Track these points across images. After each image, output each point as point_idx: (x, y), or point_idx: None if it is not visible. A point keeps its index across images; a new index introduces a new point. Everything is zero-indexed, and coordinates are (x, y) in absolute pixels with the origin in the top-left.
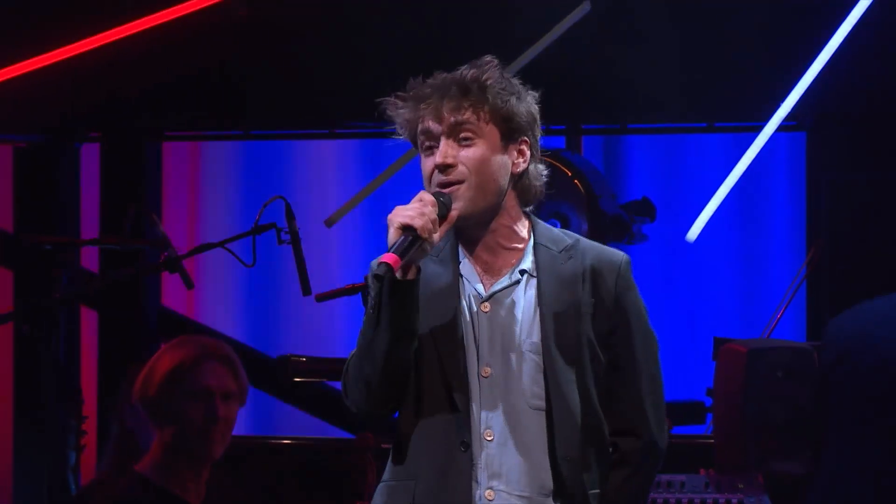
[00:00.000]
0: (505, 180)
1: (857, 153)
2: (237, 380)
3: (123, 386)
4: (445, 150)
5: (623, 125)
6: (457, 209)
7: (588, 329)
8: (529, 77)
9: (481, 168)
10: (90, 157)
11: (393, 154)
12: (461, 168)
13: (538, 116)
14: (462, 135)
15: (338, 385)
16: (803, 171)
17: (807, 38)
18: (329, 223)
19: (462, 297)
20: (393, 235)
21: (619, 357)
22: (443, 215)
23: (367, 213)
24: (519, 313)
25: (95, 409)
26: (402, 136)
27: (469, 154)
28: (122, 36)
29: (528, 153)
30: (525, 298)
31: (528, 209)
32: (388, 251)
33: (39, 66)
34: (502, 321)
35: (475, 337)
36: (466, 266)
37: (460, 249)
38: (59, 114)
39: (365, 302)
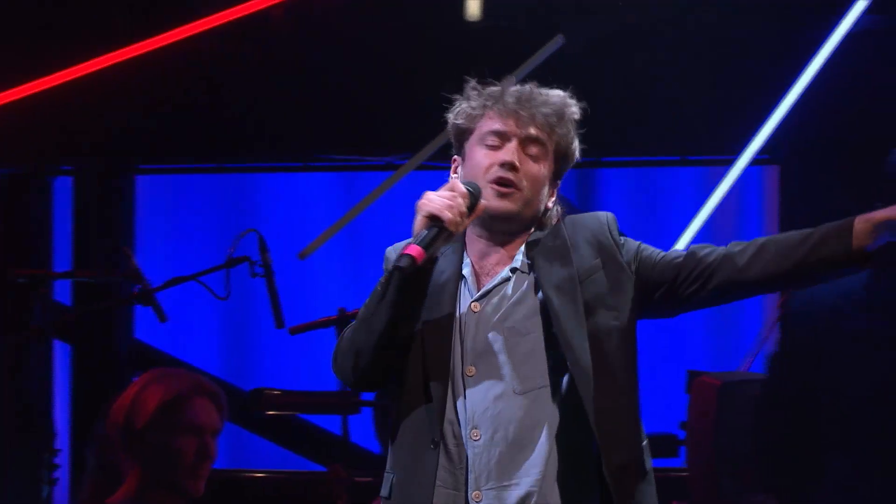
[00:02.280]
0: (541, 208)
1: (831, 187)
2: (222, 417)
3: (101, 418)
4: (517, 152)
5: (597, 158)
6: (484, 203)
7: (598, 291)
8: None
9: (535, 186)
10: (63, 191)
11: (367, 186)
12: (522, 175)
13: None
14: (531, 149)
15: (311, 418)
16: (777, 204)
17: (780, 72)
18: (302, 256)
19: (458, 297)
20: (419, 224)
21: (660, 255)
22: (471, 207)
23: (340, 245)
24: (505, 306)
25: (68, 442)
26: (456, 120)
27: (532, 169)
28: (95, 69)
29: (555, 195)
30: (513, 291)
31: None
32: (412, 241)
33: (11, 99)
34: (488, 318)
35: (461, 338)
36: (467, 265)
37: (466, 249)
38: (32, 147)
39: (338, 334)
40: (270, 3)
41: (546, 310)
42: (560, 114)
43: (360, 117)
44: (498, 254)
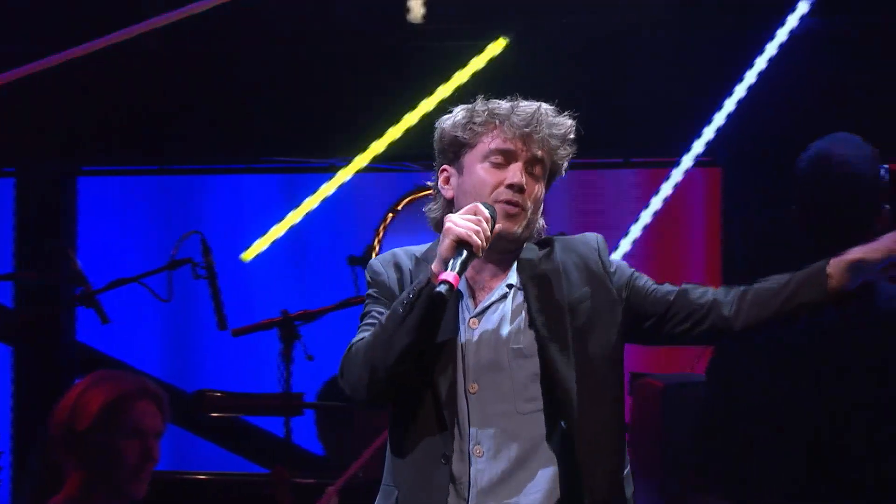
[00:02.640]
0: (536, 227)
1: (772, 189)
2: (164, 419)
3: (43, 421)
4: (525, 174)
5: None
6: (498, 227)
7: (586, 320)
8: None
9: (537, 207)
10: (5, 193)
11: (310, 188)
12: (527, 197)
13: None
14: (535, 170)
15: (253, 420)
16: (719, 206)
17: (722, 74)
18: (245, 258)
19: (459, 313)
20: (448, 248)
21: (653, 287)
22: (492, 229)
23: (283, 247)
24: (506, 325)
25: (10, 444)
26: (453, 131)
27: (536, 190)
28: (36, 71)
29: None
30: (512, 310)
31: None
32: (447, 268)
33: None
34: (489, 336)
35: (462, 354)
36: (462, 282)
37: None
38: None
39: (282, 337)
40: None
41: (537, 326)
42: (564, 137)
43: (302, 120)
44: (492, 269)
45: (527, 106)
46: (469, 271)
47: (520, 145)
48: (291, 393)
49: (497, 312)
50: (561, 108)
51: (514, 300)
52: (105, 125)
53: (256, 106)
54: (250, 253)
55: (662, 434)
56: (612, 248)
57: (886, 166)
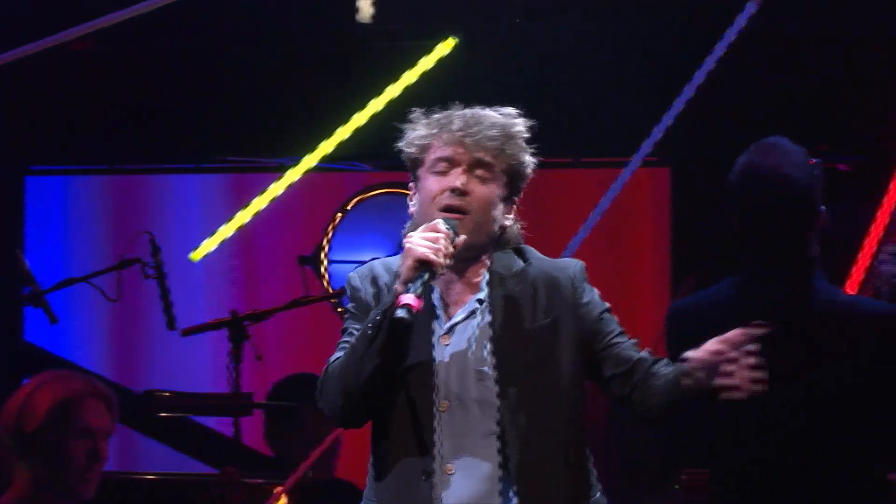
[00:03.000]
0: (496, 229)
1: (721, 188)
2: (113, 420)
3: None
4: (464, 177)
5: None
6: (462, 239)
7: (546, 349)
8: (397, 115)
9: (487, 208)
10: None
11: (259, 188)
12: (471, 200)
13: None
14: (479, 172)
15: (202, 420)
16: (668, 206)
17: (671, 74)
18: (194, 258)
19: (431, 329)
20: (409, 269)
21: (621, 345)
22: (453, 245)
23: (232, 247)
24: (472, 345)
25: None
26: (407, 149)
27: (482, 191)
28: None
29: (514, 212)
30: (480, 328)
31: None
32: (408, 291)
33: None
34: (458, 354)
35: (434, 371)
36: (436, 295)
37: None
38: None
39: (231, 337)
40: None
41: (497, 350)
42: (506, 134)
43: (252, 119)
44: (462, 281)
45: (465, 111)
46: (440, 283)
47: (459, 150)
48: (240, 393)
49: (466, 330)
50: (511, 109)
51: (483, 318)
52: (53, 124)
53: (206, 105)
54: (199, 253)
55: (612, 437)
56: (561, 249)
57: (819, 161)
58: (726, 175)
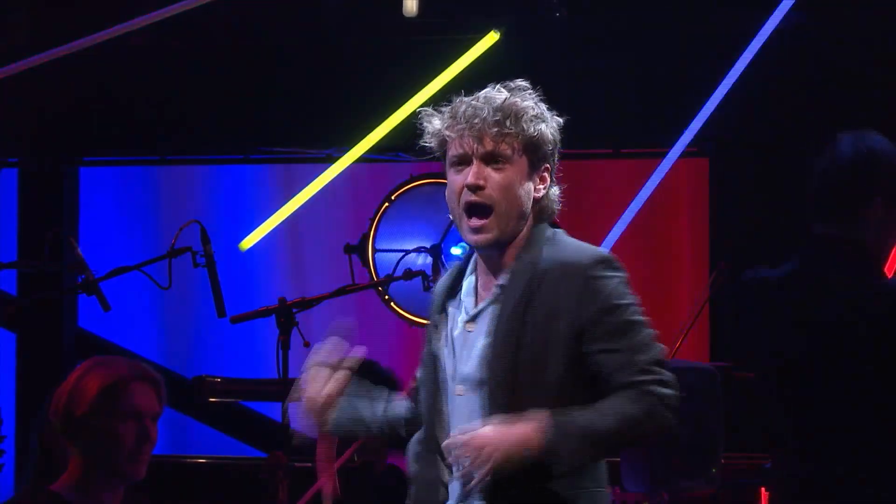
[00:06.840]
0: (528, 206)
1: (758, 179)
2: (161, 402)
3: (45, 405)
4: (478, 171)
5: None
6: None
7: (541, 348)
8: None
9: (508, 193)
10: (8, 183)
11: (307, 178)
12: (489, 191)
13: (559, 140)
14: (495, 161)
15: (251, 405)
16: (706, 196)
17: (710, 66)
18: (243, 246)
19: (456, 318)
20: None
21: (592, 340)
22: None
23: (280, 236)
24: (486, 334)
25: (13, 429)
26: (430, 145)
27: (499, 178)
28: (39, 63)
29: (548, 178)
30: (495, 317)
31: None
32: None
33: None
34: (475, 342)
35: (455, 355)
36: (472, 281)
37: (473, 264)
38: None
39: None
40: None
41: (495, 343)
42: (510, 113)
43: (300, 112)
44: (494, 268)
45: (468, 99)
46: (480, 270)
47: (469, 144)
48: (289, 378)
49: (486, 318)
50: (551, 101)
51: (500, 305)
52: (106, 117)
53: (255, 98)
54: (248, 242)
55: None
56: (601, 239)
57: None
58: (764, 165)
